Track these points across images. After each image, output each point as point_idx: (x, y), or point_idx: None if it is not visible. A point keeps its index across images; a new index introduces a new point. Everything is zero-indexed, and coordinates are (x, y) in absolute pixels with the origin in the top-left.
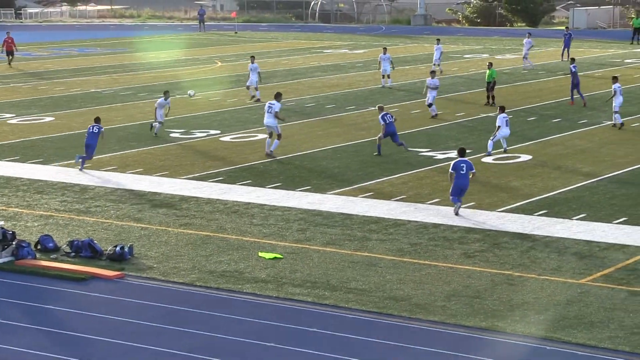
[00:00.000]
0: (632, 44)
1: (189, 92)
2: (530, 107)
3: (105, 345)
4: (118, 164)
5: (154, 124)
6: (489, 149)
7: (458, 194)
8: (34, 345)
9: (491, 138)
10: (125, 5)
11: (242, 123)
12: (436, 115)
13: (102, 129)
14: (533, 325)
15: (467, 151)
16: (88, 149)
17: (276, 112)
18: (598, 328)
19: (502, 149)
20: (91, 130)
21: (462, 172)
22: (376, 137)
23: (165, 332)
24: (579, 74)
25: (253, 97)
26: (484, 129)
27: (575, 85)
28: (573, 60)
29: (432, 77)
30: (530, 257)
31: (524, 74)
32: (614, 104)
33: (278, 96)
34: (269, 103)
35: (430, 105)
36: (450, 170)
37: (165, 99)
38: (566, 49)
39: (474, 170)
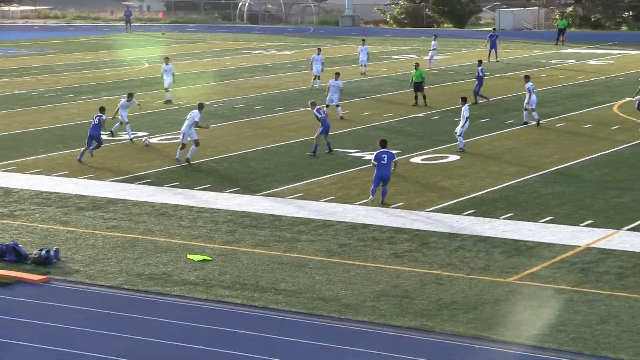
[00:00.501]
0: (556, 44)
1: (146, 141)
2: (458, 108)
3: (31, 350)
4: (43, 166)
5: (116, 126)
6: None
7: (378, 183)
8: None
9: (458, 133)
10: (50, 6)
11: (171, 124)
12: (342, 117)
13: (103, 117)
14: (462, 325)
15: (396, 152)
16: (90, 140)
17: (196, 121)
18: (525, 326)
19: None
20: (93, 122)
21: (383, 162)
22: (312, 137)
23: (92, 336)
24: (486, 76)
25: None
26: (412, 129)
27: (477, 86)
28: (480, 62)
29: (336, 79)
30: (459, 257)
31: (451, 75)
32: (525, 103)
33: (201, 107)
34: (191, 113)
35: (336, 106)
36: (372, 161)
37: (129, 100)
38: (493, 50)
39: (395, 160)
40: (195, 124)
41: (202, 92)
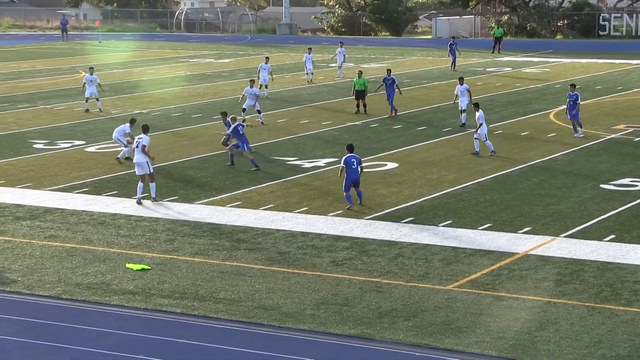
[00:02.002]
0: (492, 52)
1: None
2: (396, 115)
3: None
4: None
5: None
6: (490, 148)
7: (349, 188)
8: None
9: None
10: None
11: (107, 133)
12: (263, 122)
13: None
14: (402, 332)
15: (334, 159)
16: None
17: (144, 145)
18: (465, 333)
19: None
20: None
21: (353, 166)
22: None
23: (30, 347)
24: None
25: (87, 110)
26: (350, 137)
27: (389, 96)
28: (389, 71)
29: (251, 86)
30: (398, 264)
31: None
32: (460, 105)
33: (146, 129)
34: (138, 137)
35: (258, 111)
36: (341, 164)
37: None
38: (453, 58)
39: (362, 165)
40: (143, 149)
41: (138, 101)
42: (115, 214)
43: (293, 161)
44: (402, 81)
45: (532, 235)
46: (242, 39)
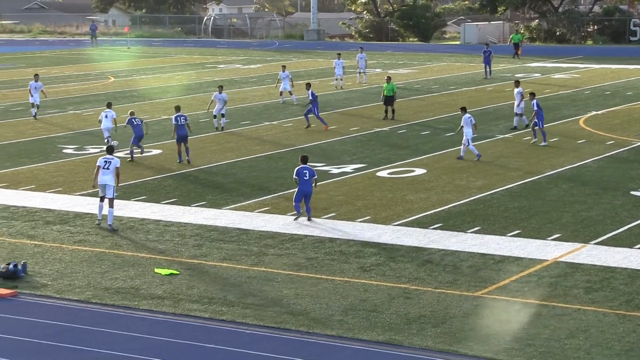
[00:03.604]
0: (513, 58)
1: (113, 142)
2: (424, 121)
3: None
4: (9, 180)
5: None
6: (474, 151)
7: (300, 200)
8: None
9: (466, 144)
10: (16, 21)
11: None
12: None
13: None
14: (430, 338)
15: (362, 165)
16: (183, 139)
17: (117, 167)
18: (494, 340)
19: (458, 156)
20: (180, 122)
21: (305, 178)
22: (277, 151)
23: (60, 351)
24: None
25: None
26: (378, 143)
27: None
28: (309, 85)
29: (220, 92)
30: (426, 270)
31: (417, 89)
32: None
33: (111, 150)
34: (107, 158)
35: (222, 115)
36: (294, 176)
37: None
38: (487, 66)
39: (315, 177)
40: (116, 171)
41: (166, 107)
42: (144, 219)
43: (321, 167)
44: (430, 87)
45: (561, 242)
46: (269, 45)
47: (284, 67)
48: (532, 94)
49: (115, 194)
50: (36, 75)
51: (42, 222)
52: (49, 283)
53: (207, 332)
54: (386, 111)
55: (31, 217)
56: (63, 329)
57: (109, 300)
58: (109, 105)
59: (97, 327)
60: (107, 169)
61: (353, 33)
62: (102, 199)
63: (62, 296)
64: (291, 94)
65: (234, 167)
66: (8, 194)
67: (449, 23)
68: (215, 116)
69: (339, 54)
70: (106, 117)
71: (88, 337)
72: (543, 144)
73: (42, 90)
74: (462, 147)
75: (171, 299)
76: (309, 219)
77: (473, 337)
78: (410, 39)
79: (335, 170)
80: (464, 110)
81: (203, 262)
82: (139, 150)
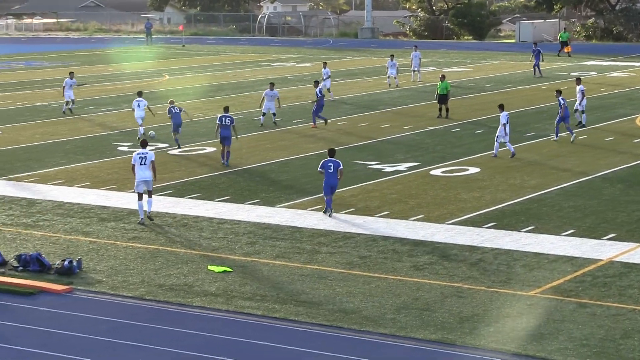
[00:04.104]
0: (559, 56)
1: (150, 133)
2: (478, 120)
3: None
4: (65, 177)
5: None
6: (511, 149)
7: (328, 192)
8: None
9: (504, 140)
10: (72, 19)
11: (190, 136)
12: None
13: (234, 122)
14: (483, 338)
15: (415, 164)
16: (225, 141)
17: (152, 161)
18: (547, 340)
19: (493, 153)
20: (224, 123)
21: (330, 171)
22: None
23: (114, 347)
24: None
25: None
26: (431, 141)
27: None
28: (317, 83)
29: (271, 89)
30: (480, 269)
31: (470, 87)
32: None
33: (145, 144)
34: (141, 153)
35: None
36: (319, 169)
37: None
38: (536, 64)
39: (341, 168)
40: (152, 165)
41: (220, 104)
42: (198, 217)
43: (374, 165)
44: (484, 85)
45: (616, 242)
46: (323, 43)
47: (325, 63)
48: (559, 91)
49: (151, 187)
50: (71, 72)
51: (96, 219)
52: (104, 279)
53: (259, 329)
54: (440, 109)
55: (86, 214)
56: (117, 325)
57: (163, 297)
58: (139, 94)
59: (151, 324)
60: (144, 164)
61: (407, 31)
62: (140, 196)
63: (116, 292)
64: (329, 91)
65: (288, 165)
66: (63, 191)
67: (504, 21)
68: (264, 114)
69: (392, 55)
70: (138, 106)
71: (142, 334)
72: (555, 138)
73: (75, 86)
74: (507, 145)
75: (224, 296)
76: (329, 211)
77: (526, 336)
78: (465, 37)
79: (388, 169)
80: (501, 107)
81: (256, 259)
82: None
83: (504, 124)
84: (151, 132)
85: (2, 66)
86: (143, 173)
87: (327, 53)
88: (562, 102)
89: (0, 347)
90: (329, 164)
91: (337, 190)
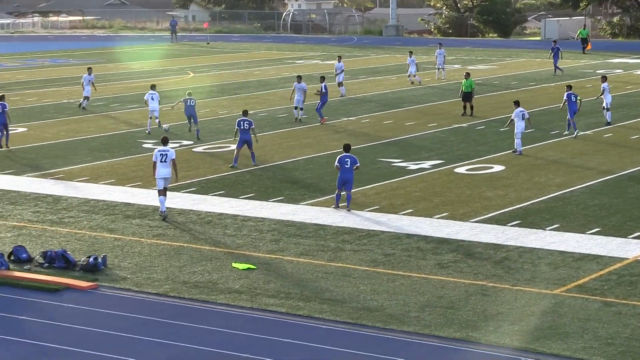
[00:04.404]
0: (584, 53)
1: (164, 126)
2: (503, 118)
3: (78, 356)
4: (90, 174)
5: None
6: (518, 147)
7: (341, 187)
8: (7, 356)
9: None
10: (97, 16)
11: (214, 134)
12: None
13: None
14: (507, 336)
15: (439, 161)
16: (246, 144)
17: (173, 159)
18: (572, 338)
19: (513, 150)
20: (242, 127)
21: (346, 166)
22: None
23: (138, 343)
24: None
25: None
26: (456, 139)
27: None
28: (323, 78)
29: (299, 82)
30: (504, 268)
31: (495, 85)
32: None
33: (166, 141)
34: (162, 150)
35: (301, 109)
36: (336, 164)
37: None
38: (556, 62)
39: (357, 164)
40: (173, 162)
41: (245, 102)
42: (222, 214)
43: (398, 163)
44: (509, 83)
45: None
46: (348, 41)
47: (339, 57)
48: (569, 87)
49: (167, 184)
50: (89, 68)
51: (121, 215)
52: (128, 276)
53: (283, 326)
54: (464, 107)
55: (111, 211)
56: (141, 321)
57: (187, 294)
58: (153, 87)
59: (175, 321)
60: (164, 161)
61: (432, 29)
62: (160, 192)
63: (140, 289)
64: (341, 86)
65: (312, 162)
66: (89, 188)
67: (529, 19)
68: (296, 107)
69: (411, 52)
70: (152, 99)
71: (166, 330)
72: (567, 132)
73: (92, 83)
74: (517, 142)
75: (248, 294)
76: (347, 208)
77: (551, 335)
78: (490, 35)
79: (412, 167)
80: (516, 104)
81: (280, 257)
82: (192, 128)
83: (514, 120)
84: (165, 126)
85: (29, 64)
86: (162, 170)
87: (351, 51)
88: (569, 97)
89: (26, 342)
90: (346, 159)
91: (362, 188)
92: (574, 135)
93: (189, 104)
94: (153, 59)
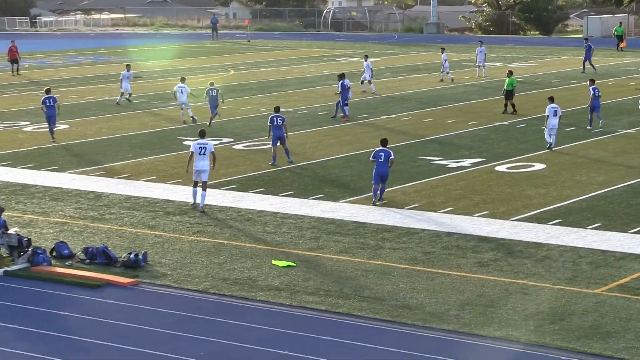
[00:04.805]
0: (618, 50)
1: (193, 117)
2: (544, 116)
3: (119, 352)
4: (131, 171)
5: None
6: (548, 140)
7: (378, 181)
8: (49, 351)
9: (545, 131)
10: (139, 14)
11: (255, 131)
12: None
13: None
14: (548, 335)
15: (480, 160)
16: (276, 140)
17: (212, 152)
18: (614, 338)
19: (547, 145)
20: (275, 123)
21: (380, 160)
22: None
23: (178, 339)
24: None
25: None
26: (496, 137)
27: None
28: (343, 76)
29: (366, 60)
30: (545, 266)
31: (536, 83)
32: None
33: (204, 134)
34: (201, 143)
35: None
36: (371, 158)
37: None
38: (587, 60)
39: (392, 157)
40: (212, 155)
41: (285, 99)
42: (262, 211)
43: (438, 161)
44: (550, 81)
45: None
46: (388, 38)
47: (366, 56)
48: (592, 81)
49: (206, 178)
50: (128, 65)
51: (162, 212)
52: (169, 273)
53: (323, 324)
54: (505, 105)
55: (152, 208)
56: (182, 318)
57: (227, 291)
58: (182, 80)
59: (215, 317)
60: (203, 154)
61: (473, 26)
62: (195, 184)
63: (181, 286)
64: (370, 83)
65: (352, 160)
66: (130, 185)
67: (571, 16)
68: (347, 105)
69: (443, 49)
70: (181, 92)
71: (206, 327)
72: (588, 127)
73: (131, 79)
74: (547, 136)
75: (288, 291)
76: (381, 199)
77: (592, 334)
78: (532, 33)
79: (453, 165)
80: (551, 100)
81: (320, 254)
82: (213, 115)
83: (548, 115)
84: (194, 117)
85: (71, 61)
86: (199, 162)
87: (391, 48)
88: (592, 92)
89: (67, 338)
90: (380, 154)
91: (402, 186)
92: (594, 127)
93: (212, 94)
94: (194, 56)
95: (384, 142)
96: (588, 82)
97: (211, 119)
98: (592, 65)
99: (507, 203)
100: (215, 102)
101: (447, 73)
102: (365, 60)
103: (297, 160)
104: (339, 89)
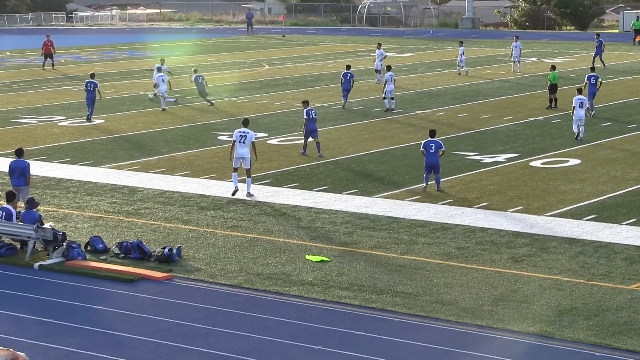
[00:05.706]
0: (634, 44)
1: (149, 96)
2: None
3: (153, 346)
4: (166, 166)
5: None
6: (576, 131)
7: (429, 171)
8: (83, 345)
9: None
10: (174, 9)
11: (289, 126)
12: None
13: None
14: (582, 331)
15: (515, 155)
16: (309, 133)
17: (252, 141)
18: None
19: (575, 136)
20: (311, 116)
21: (431, 150)
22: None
23: (212, 334)
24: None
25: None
26: (531, 132)
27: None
28: (348, 67)
29: (388, 70)
30: (579, 262)
31: (572, 78)
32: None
33: (247, 122)
34: (242, 131)
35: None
36: (421, 148)
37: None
38: (598, 56)
39: (443, 149)
40: (252, 145)
41: (320, 94)
42: (296, 206)
43: (473, 156)
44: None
45: None
46: (424, 33)
47: (379, 45)
48: (592, 68)
49: (249, 165)
50: (162, 59)
51: (196, 207)
52: (203, 267)
53: (356, 319)
54: (551, 100)
55: (186, 203)
56: (215, 312)
57: (260, 286)
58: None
59: (249, 312)
60: (243, 142)
61: (508, 21)
62: (235, 169)
63: (214, 280)
64: (378, 72)
65: (386, 155)
66: (164, 179)
67: (607, 11)
68: (385, 97)
69: (461, 42)
70: (162, 81)
71: (240, 322)
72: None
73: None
74: (575, 128)
75: (321, 286)
76: (438, 189)
77: (627, 330)
78: (567, 28)
79: (487, 160)
80: (579, 91)
81: (353, 249)
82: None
83: (574, 107)
84: (151, 95)
85: (107, 56)
86: (240, 150)
87: (426, 43)
88: (589, 79)
89: (101, 332)
90: (431, 144)
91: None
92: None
93: (199, 81)
94: (229, 51)
95: (432, 133)
96: (589, 70)
97: (210, 102)
98: (602, 61)
99: (541, 198)
100: (202, 87)
101: (463, 67)
102: (379, 49)
103: (332, 156)
104: (380, 80)
